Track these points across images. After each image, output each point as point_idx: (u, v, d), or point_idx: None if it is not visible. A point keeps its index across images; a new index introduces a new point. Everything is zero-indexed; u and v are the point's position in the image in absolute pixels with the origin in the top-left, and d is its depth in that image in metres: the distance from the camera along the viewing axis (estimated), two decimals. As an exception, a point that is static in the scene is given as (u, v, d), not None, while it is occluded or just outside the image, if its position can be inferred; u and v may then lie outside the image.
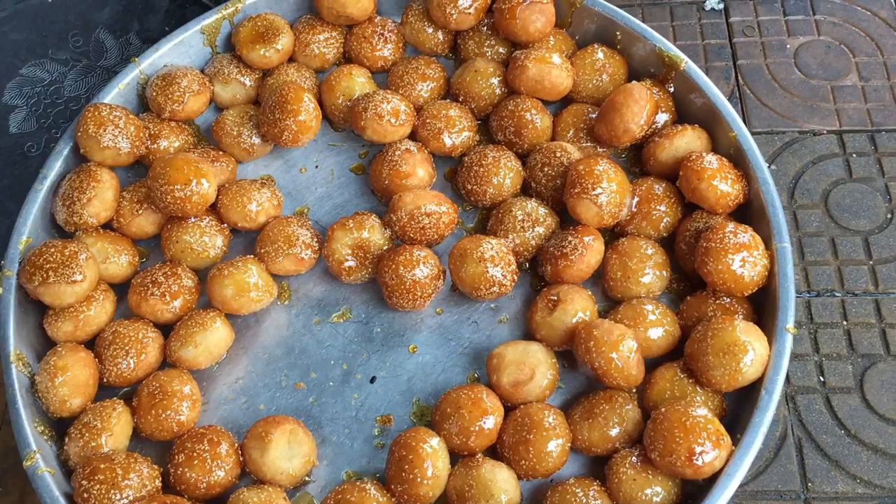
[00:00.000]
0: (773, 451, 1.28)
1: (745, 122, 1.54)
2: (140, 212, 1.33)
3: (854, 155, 1.52)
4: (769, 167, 1.49)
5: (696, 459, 1.06)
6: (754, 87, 1.61)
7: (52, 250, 1.23)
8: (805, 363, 1.34)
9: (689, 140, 1.31)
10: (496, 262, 1.24)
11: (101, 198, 1.30)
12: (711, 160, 1.25)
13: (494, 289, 1.25)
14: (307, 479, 1.20)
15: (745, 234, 1.19)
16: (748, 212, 1.28)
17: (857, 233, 1.45)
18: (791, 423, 1.29)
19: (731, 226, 1.20)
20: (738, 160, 1.29)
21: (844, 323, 1.37)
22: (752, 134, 1.52)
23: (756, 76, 1.61)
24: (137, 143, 1.35)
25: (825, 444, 1.28)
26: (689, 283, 1.29)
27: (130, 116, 1.35)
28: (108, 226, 1.34)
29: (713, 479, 1.08)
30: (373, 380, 1.27)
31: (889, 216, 1.45)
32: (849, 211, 1.47)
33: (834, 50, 1.63)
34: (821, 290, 1.40)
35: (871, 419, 1.29)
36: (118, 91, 1.42)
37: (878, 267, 1.42)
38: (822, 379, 1.32)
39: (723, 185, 1.23)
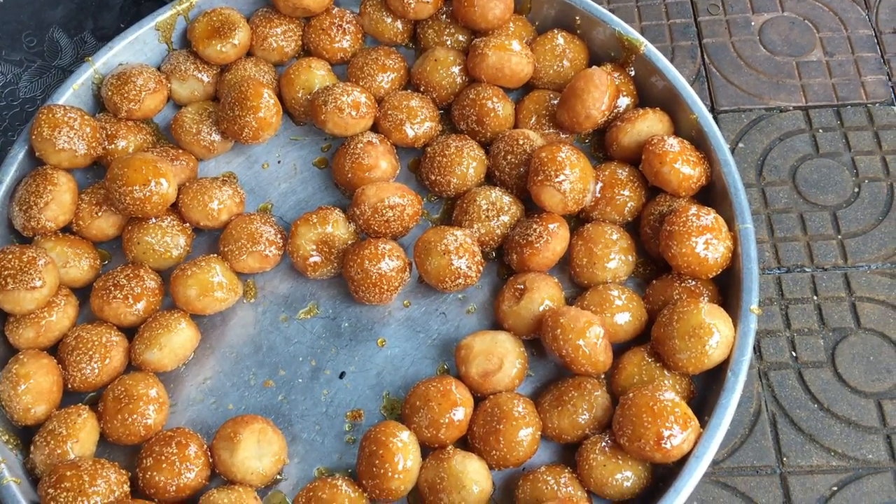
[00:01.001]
0: (748, 428, 1.28)
1: (711, 100, 1.53)
2: (99, 214, 1.31)
3: (820, 130, 1.53)
4: (737, 145, 1.50)
5: (665, 443, 1.06)
6: (720, 65, 1.60)
7: (10, 256, 1.21)
8: (777, 339, 1.34)
9: (650, 123, 1.31)
10: (461, 253, 1.23)
11: (58, 201, 1.28)
12: (673, 143, 1.25)
13: (460, 280, 1.24)
14: (278, 477, 1.19)
15: (708, 217, 1.19)
16: (711, 194, 1.28)
17: (826, 208, 1.45)
18: (765, 399, 1.30)
19: (693, 209, 1.19)
20: (699, 142, 1.29)
21: (815, 298, 1.38)
22: (719, 112, 1.53)
23: (722, 54, 1.61)
24: (94, 144, 1.33)
25: (799, 418, 1.29)
26: (655, 266, 1.29)
27: (86, 117, 1.33)
28: (67, 229, 1.32)
29: (682, 461, 1.09)
30: (342, 375, 1.26)
31: (856, 190, 1.46)
32: (816, 186, 1.47)
33: (798, 26, 1.63)
34: (791, 266, 1.40)
35: (843, 392, 1.30)
36: (73, 92, 1.39)
37: (846, 241, 1.43)
38: (794, 354, 1.33)
39: (685, 168, 1.23)
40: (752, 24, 1.64)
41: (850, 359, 1.33)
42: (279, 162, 1.44)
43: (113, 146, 1.36)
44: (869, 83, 1.58)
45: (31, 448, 1.16)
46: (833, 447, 1.26)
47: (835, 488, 1.24)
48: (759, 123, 1.55)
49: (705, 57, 1.61)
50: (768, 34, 1.64)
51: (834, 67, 1.59)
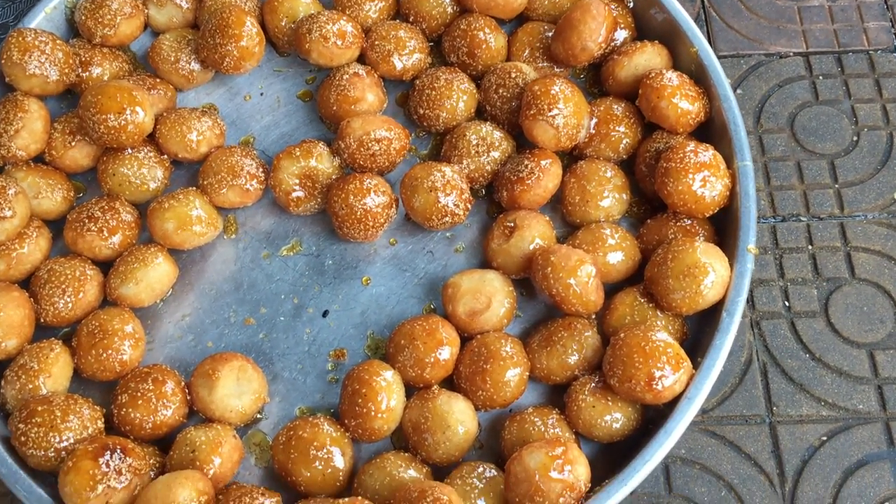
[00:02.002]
0: (738, 377, 1.27)
1: (710, 45, 1.49)
2: (73, 144, 1.26)
3: (820, 77, 1.50)
4: (735, 91, 1.46)
5: (656, 384, 1.03)
6: (720, 8, 1.56)
7: (-22, 186, 1.16)
8: (770, 288, 1.33)
9: (648, 57, 1.26)
10: (448, 190, 1.19)
11: (29, 129, 1.23)
12: (672, 77, 1.20)
13: (447, 218, 1.21)
14: (258, 416, 1.16)
15: (707, 153, 1.15)
16: (709, 131, 1.23)
17: (823, 156, 1.43)
18: (756, 348, 1.29)
19: (691, 145, 1.15)
20: (699, 77, 1.25)
21: (810, 247, 1.36)
22: (718, 57, 1.48)
23: (722, -2, 1.57)
24: (67, 70, 1.27)
25: (790, 368, 1.28)
26: (649, 206, 1.25)
27: (58, 42, 1.27)
28: (39, 160, 1.27)
29: (673, 403, 1.06)
30: (325, 314, 1.23)
31: (855, 139, 1.43)
32: (815, 134, 1.45)
33: (800, -31, 1.59)
34: (786, 215, 1.38)
35: (835, 342, 1.29)
36: (45, 16, 1.33)
37: (843, 190, 1.41)
38: (787, 304, 1.32)
39: (683, 103, 1.19)
40: (754, -34, 1.60)
41: (844, 309, 1.31)
42: (262, 94, 1.38)
43: (87, 73, 1.30)
44: (871, 29, 1.54)
45: (2, 383, 1.13)
46: (824, 397, 1.26)
47: (824, 438, 1.23)
48: (759, 69, 1.52)
49: (705, 1, 1.57)
50: (769, -23, 1.59)
51: (836, 13, 1.56)
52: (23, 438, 1.05)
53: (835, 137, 1.44)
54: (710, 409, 1.25)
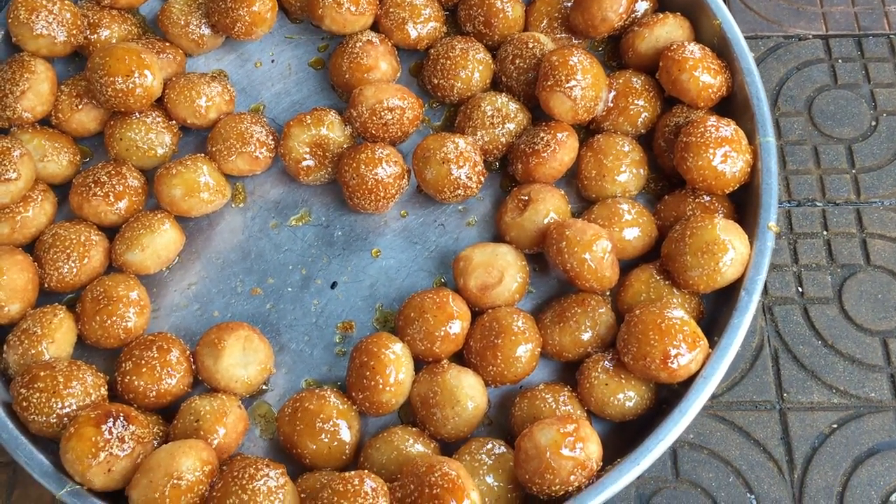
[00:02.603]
0: (749, 363, 1.26)
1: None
2: (80, 107, 1.23)
3: (840, 61, 1.48)
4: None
5: (671, 362, 1.01)
6: (739, -12, 1.53)
7: (-17, 147, 1.14)
8: (783, 274, 1.31)
9: (670, 29, 1.23)
10: (461, 162, 1.16)
11: (35, 90, 1.20)
12: (694, 49, 1.18)
13: (459, 191, 1.18)
14: (264, 387, 1.14)
15: (728, 128, 1.12)
16: (731, 106, 1.21)
17: (841, 141, 1.41)
18: (767, 333, 1.27)
19: (712, 119, 1.13)
20: (722, 51, 1.22)
21: (825, 233, 1.34)
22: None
23: (741, -23, 1.54)
24: (74, 31, 1.24)
25: (802, 354, 1.26)
26: (667, 182, 1.23)
27: (66, 2, 1.25)
28: (46, 123, 1.25)
29: (688, 383, 1.04)
30: (333, 285, 1.20)
31: (874, 124, 1.41)
32: (833, 118, 1.43)
33: (822, -50, 1.57)
34: (801, 200, 1.36)
35: (848, 329, 1.28)
36: (53, -25, 1.30)
37: (860, 176, 1.39)
38: (800, 289, 1.30)
39: (705, 77, 1.16)
40: (774, -53, 1.57)
41: (858, 296, 1.30)
42: (273, 61, 1.36)
43: (95, 36, 1.28)
44: (893, 13, 1.52)
45: (4, 347, 1.11)
46: (835, 384, 1.24)
47: (835, 426, 1.22)
48: (777, 51, 1.50)
49: (725, -20, 1.54)
50: (790, -41, 1.57)
51: (857, -5, 1.53)
52: (24, 404, 1.03)
53: (853, 122, 1.42)
54: (719, 394, 1.23)
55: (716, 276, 1.06)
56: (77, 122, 1.24)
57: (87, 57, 1.29)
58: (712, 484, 1.19)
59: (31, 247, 1.18)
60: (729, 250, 1.06)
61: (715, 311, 1.12)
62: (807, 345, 1.26)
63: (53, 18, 1.22)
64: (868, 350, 1.25)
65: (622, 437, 1.08)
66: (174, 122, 1.26)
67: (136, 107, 1.20)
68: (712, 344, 1.05)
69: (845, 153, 1.40)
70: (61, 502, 1.00)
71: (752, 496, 1.18)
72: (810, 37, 1.50)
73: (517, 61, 1.24)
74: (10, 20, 1.22)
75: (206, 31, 1.30)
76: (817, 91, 1.45)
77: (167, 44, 1.30)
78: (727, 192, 1.14)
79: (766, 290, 1.30)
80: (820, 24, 1.52)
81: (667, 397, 1.09)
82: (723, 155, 1.11)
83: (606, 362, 1.07)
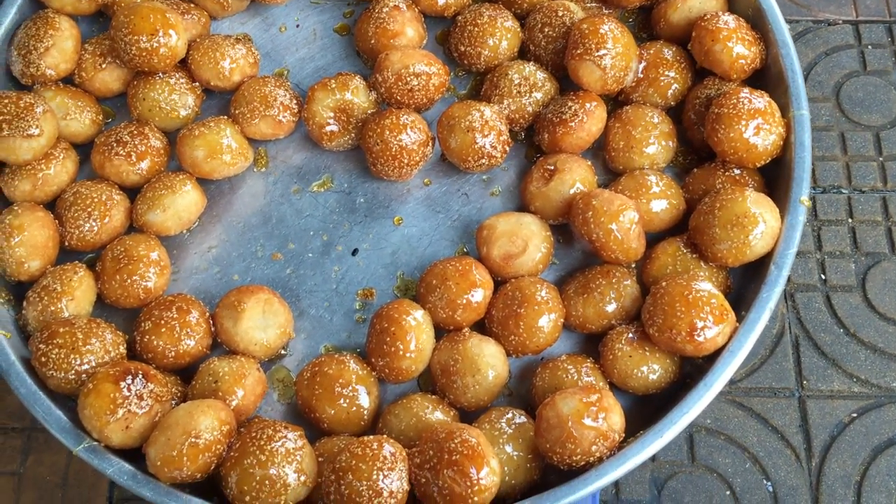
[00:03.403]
0: (769, 349, 1.24)
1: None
2: (104, 66, 1.22)
3: (870, 47, 1.45)
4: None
5: (698, 335, 0.99)
6: (768, -29, 1.50)
7: (6, 101, 1.13)
8: (806, 261, 1.29)
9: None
10: (486, 131, 1.15)
11: (59, 47, 1.19)
12: (728, 20, 1.15)
13: (484, 160, 1.16)
14: (283, 352, 1.13)
15: (761, 100, 1.10)
16: (764, 79, 1.18)
17: (869, 128, 1.39)
18: (789, 320, 1.26)
19: (745, 91, 1.10)
20: (756, 22, 1.19)
21: (850, 220, 1.32)
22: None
23: (771, -43, 1.51)
24: (100, -12, 1.23)
25: (823, 342, 1.24)
26: (696, 156, 1.20)
27: (91, -41, 1.24)
28: (69, 81, 1.24)
29: (713, 358, 1.02)
30: (355, 252, 1.19)
31: (902, 111, 1.39)
32: (861, 105, 1.41)
33: (856, -68, 1.54)
34: (827, 187, 1.34)
35: (871, 318, 1.26)
36: (78, -67, 1.29)
37: (888, 164, 1.37)
38: (823, 277, 1.28)
39: (739, 47, 1.13)
40: (807, -70, 1.55)
41: (882, 284, 1.28)
42: (297, 26, 1.34)
43: (120, -5, 1.27)
44: (925, -1, 1.49)
45: (24, 304, 1.10)
46: (856, 373, 1.22)
47: (854, 415, 1.20)
48: (806, 36, 1.47)
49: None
50: (821, -58, 1.54)
51: (889, -19, 1.50)
52: (43, 359, 1.02)
53: (881, 109, 1.40)
54: (738, 379, 1.21)
55: (745, 250, 1.04)
56: (100, 81, 1.23)
57: (111, 17, 1.28)
58: (728, 470, 1.17)
59: (53, 205, 1.17)
60: (759, 223, 1.03)
61: (742, 287, 1.10)
62: (828, 332, 1.25)
63: (79, -25, 1.21)
64: (891, 339, 1.24)
65: (644, 411, 1.06)
66: (197, 83, 1.24)
67: (160, 67, 1.18)
68: (739, 318, 1.03)
69: (873, 140, 1.38)
70: (76, 464, 1.00)
71: (769, 483, 1.17)
72: (840, 22, 1.48)
73: (546, 30, 1.22)
74: (35, -24, 1.21)
75: (232, -8, 1.29)
76: (846, 77, 1.43)
77: (192, 5, 1.29)
78: (758, 165, 1.12)
79: (788, 277, 1.27)
80: (850, 9, 1.49)
81: (690, 373, 1.07)
82: (755, 127, 1.08)
83: (630, 334, 1.05)
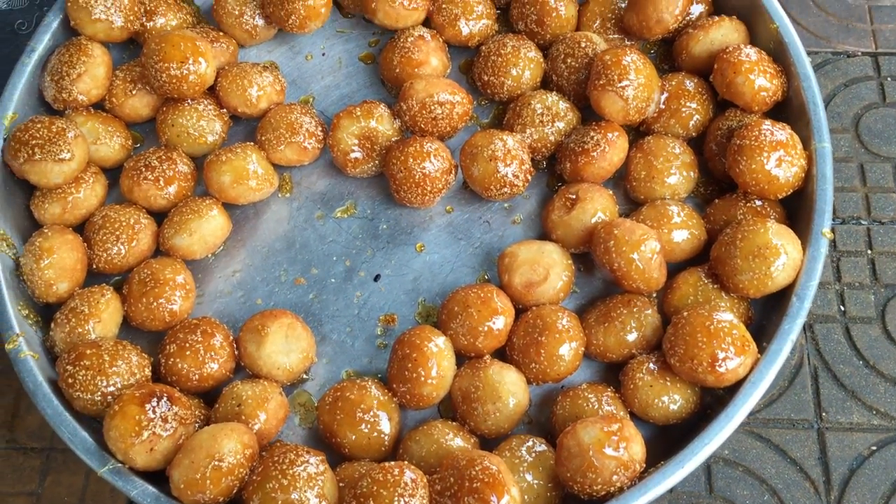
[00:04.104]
0: (788, 380, 1.24)
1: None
2: (134, 92, 1.25)
3: (889, 79, 1.46)
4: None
5: (719, 366, 1.00)
6: (787, 4, 1.53)
7: (39, 126, 1.16)
8: (825, 291, 1.29)
9: (725, 32, 1.22)
10: (508, 160, 1.16)
11: (91, 74, 1.22)
12: (750, 52, 1.16)
13: (506, 189, 1.18)
14: (305, 376, 1.14)
15: (783, 132, 1.10)
16: (786, 111, 1.19)
17: (888, 159, 1.40)
18: (808, 351, 1.25)
19: (767, 123, 1.11)
20: (778, 55, 1.20)
21: (869, 252, 1.32)
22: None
23: (790, -6, 1.53)
24: (131, 17, 1.26)
25: (842, 374, 1.24)
26: (717, 187, 1.21)
27: (124, -12, 1.27)
28: (100, 107, 1.27)
29: (734, 389, 1.02)
30: (377, 278, 1.20)
31: (922, 144, 1.39)
32: (880, 136, 1.41)
33: (873, -32, 1.55)
34: (846, 218, 1.35)
35: (891, 350, 1.25)
36: (112, -38, 1.32)
37: (907, 195, 1.36)
38: (842, 308, 1.28)
39: (761, 80, 1.15)
40: (825, -36, 1.56)
41: (902, 317, 1.27)
42: (323, 54, 1.36)
43: (151, 23, 1.29)
44: (944, 32, 1.50)
45: (52, 325, 1.12)
46: (876, 405, 1.22)
47: (874, 448, 1.20)
48: (825, 67, 1.48)
49: (772, -4, 1.53)
50: (841, -25, 1.56)
51: (908, 14, 1.52)
52: (70, 381, 1.04)
53: (901, 141, 1.40)
54: (756, 410, 1.21)
55: (767, 281, 1.05)
56: (130, 107, 1.26)
57: (141, 44, 1.31)
58: (746, 502, 1.17)
59: (82, 228, 1.20)
60: (781, 255, 1.04)
61: (763, 318, 1.10)
62: (847, 364, 1.24)
63: (111, 4, 1.24)
64: (911, 372, 1.23)
65: (664, 441, 1.06)
66: (225, 110, 1.27)
67: (189, 93, 1.21)
68: (761, 350, 1.04)
69: (892, 172, 1.39)
70: (93, 484, 1.00)
71: (787, 516, 1.16)
72: (859, 54, 1.49)
73: (569, 60, 1.23)
74: (69, 4, 1.24)
75: (260, 21, 1.31)
76: (865, 108, 1.44)
77: (221, 33, 1.32)
78: (780, 197, 1.12)
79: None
80: (869, 41, 1.50)
81: (710, 403, 1.07)
82: (777, 159, 1.09)
83: (651, 364, 1.06)
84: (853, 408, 1.22)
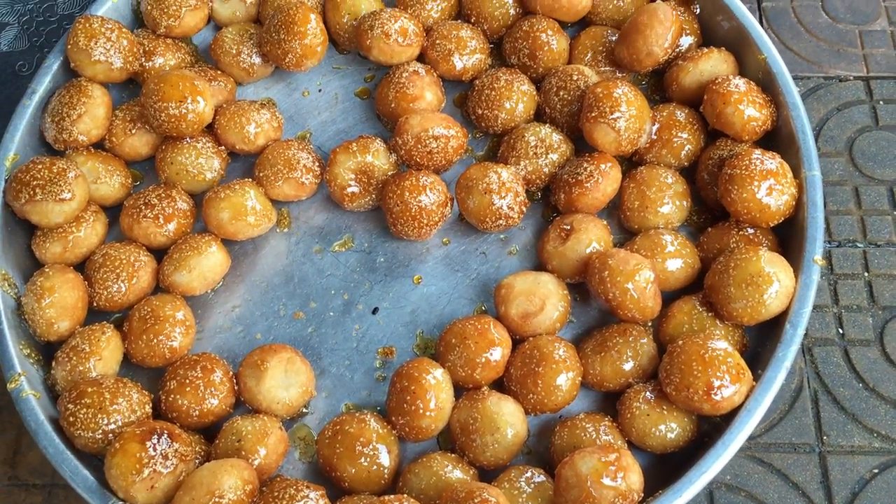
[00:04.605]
0: (788, 404, 1.24)
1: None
2: (133, 131, 1.27)
3: (881, 102, 1.48)
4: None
5: (715, 394, 1.00)
6: (779, 30, 1.54)
7: (40, 167, 1.17)
8: (824, 315, 1.29)
9: (714, 63, 1.24)
10: (503, 193, 1.17)
11: (91, 114, 1.24)
12: (739, 83, 1.18)
13: (501, 221, 1.19)
14: (304, 410, 1.15)
15: (773, 161, 1.12)
16: (776, 140, 1.21)
17: (882, 182, 1.40)
18: (807, 375, 1.25)
19: (757, 152, 1.13)
20: (766, 86, 1.22)
21: (866, 274, 1.33)
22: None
23: (782, 19, 1.55)
24: (131, 58, 1.28)
25: (842, 397, 1.24)
26: (710, 215, 1.23)
27: (123, 30, 1.29)
28: (100, 146, 1.29)
29: (730, 416, 1.03)
30: (375, 311, 1.21)
31: (916, 166, 1.40)
32: (874, 160, 1.42)
33: (863, -7, 1.57)
34: (842, 241, 1.35)
35: (890, 372, 1.26)
36: (111, 5, 1.35)
37: (902, 218, 1.37)
38: (840, 331, 1.28)
39: (750, 110, 1.16)
40: (816, -11, 1.59)
41: (900, 339, 1.27)
42: (320, 90, 1.39)
43: (150, 63, 1.32)
44: (935, 55, 1.51)
45: (53, 364, 1.13)
46: (877, 428, 1.22)
47: (876, 471, 1.19)
48: (817, 92, 1.50)
49: (764, 21, 1.55)
50: (831, 1, 1.58)
51: (899, 38, 1.53)
52: (71, 419, 1.05)
53: (894, 163, 1.41)
54: (757, 435, 1.21)
55: (760, 309, 1.06)
56: (130, 146, 1.27)
57: (141, 84, 1.33)
58: (750, 527, 1.17)
59: (82, 266, 1.21)
60: (774, 282, 1.05)
61: (758, 345, 1.11)
62: (847, 387, 1.24)
63: (111, 45, 1.26)
64: (911, 394, 1.23)
65: (662, 469, 1.07)
66: (223, 147, 1.29)
67: (188, 132, 1.23)
68: (756, 377, 1.04)
69: (887, 194, 1.39)
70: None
71: (792, 540, 1.16)
72: (851, 78, 1.50)
73: (561, 93, 1.25)
74: (69, 46, 1.26)
75: (257, 60, 1.34)
76: (858, 132, 1.44)
77: (219, 72, 1.34)
78: (772, 224, 1.14)
79: (805, 331, 1.28)
80: (861, 65, 1.52)
81: (707, 431, 1.08)
82: (768, 188, 1.11)
83: (648, 393, 1.06)
84: (854, 431, 1.22)
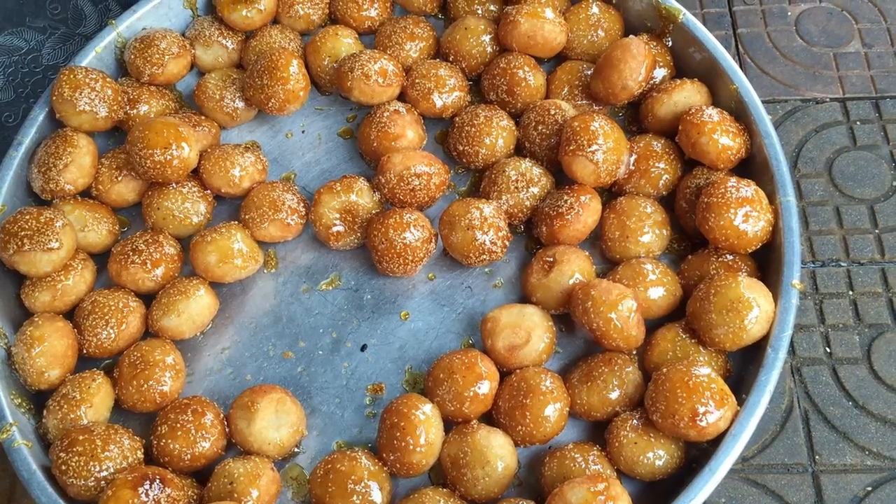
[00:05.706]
0: (779, 425, 1.25)
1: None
2: (119, 178, 1.28)
3: (858, 122, 1.50)
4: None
5: (700, 420, 1.02)
6: (755, 55, 1.57)
7: (28, 217, 1.19)
8: (811, 334, 1.31)
9: (688, 94, 1.26)
10: (486, 228, 1.19)
11: (77, 164, 1.25)
12: (712, 113, 1.21)
13: (485, 256, 1.21)
14: (296, 449, 1.15)
15: (748, 189, 1.14)
16: (750, 167, 1.23)
17: (863, 201, 1.42)
18: (797, 395, 1.27)
19: (732, 180, 1.15)
20: (739, 114, 1.25)
21: (850, 293, 1.34)
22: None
23: (757, 44, 1.58)
24: (115, 107, 1.30)
25: (832, 415, 1.25)
26: (689, 243, 1.24)
27: (108, 80, 1.31)
28: (86, 194, 1.30)
29: (717, 441, 1.04)
30: (363, 348, 1.22)
31: (895, 184, 1.42)
32: (853, 179, 1.44)
33: (836, 16, 1.60)
34: (826, 260, 1.37)
35: (879, 390, 1.27)
36: (95, 55, 1.37)
37: (884, 235, 1.39)
38: (828, 350, 1.30)
39: (724, 139, 1.19)
40: (789, 14, 1.62)
41: (887, 356, 1.29)
42: (303, 132, 1.41)
43: (135, 111, 1.34)
44: (908, 75, 1.54)
45: (44, 412, 1.13)
46: (868, 446, 1.23)
47: (869, 488, 1.20)
48: (795, 115, 1.52)
49: (740, 47, 1.58)
50: (805, 25, 1.61)
51: (872, 59, 1.56)
52: (63, 467, 1.05)
53: (874, 182, 1.44)
54: (750, 456, 1.22)
55: (742, 334, 1.07)
56: (116, 193, 1.29)
57: (126, 131, 1.35)
58: (746, 547, 1.17)
59: (71, 313, 1.22)
60: (754, 308, 1.07)
61: (742, 370, 1.13)
62: (837, 406, 1.25)
63: (95, 95, 1.28)
64: (900, 411, 1.24)
65: (652, 497, 1.08)
66: (209, 191, 1.30)
67: (174, 177, 1.24)
68: (740, 402, 1.06)
69: (867, 213, 1.41)
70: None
71: (787, 560, 1.16)
72: (828, 100, 1.52)
73: (540, 127, 1.28)
74: (54, 97, 1.28)
75: (240, 104, 1.36)
76: (837, 153, 1.47)
77: (203, 117, 1.36)
78: (749, 250, 1.15)
79: (793, 351, 1.29)
80: (837, 87, 1.54)
81: (696, 456, 1.08)
82: (744, 215, 1.13)
83: (635, 421, 1.08)
84: (846, 449, 1.23)
